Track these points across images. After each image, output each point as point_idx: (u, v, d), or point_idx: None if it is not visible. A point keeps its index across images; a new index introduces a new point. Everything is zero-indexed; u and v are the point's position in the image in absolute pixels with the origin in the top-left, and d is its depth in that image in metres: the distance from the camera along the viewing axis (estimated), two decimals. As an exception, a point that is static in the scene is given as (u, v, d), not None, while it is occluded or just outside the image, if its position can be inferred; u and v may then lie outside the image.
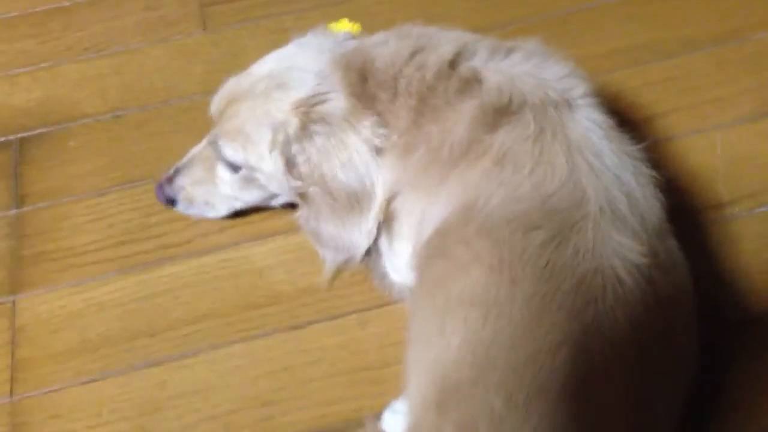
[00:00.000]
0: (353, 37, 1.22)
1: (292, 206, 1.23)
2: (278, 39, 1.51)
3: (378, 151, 1.06)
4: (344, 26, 1.33)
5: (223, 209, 1.25)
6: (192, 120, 1.43)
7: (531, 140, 0.94)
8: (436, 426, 0.80)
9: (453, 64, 1.03)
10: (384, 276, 1.20)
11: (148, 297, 1.22)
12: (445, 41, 1.07)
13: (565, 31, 1.49)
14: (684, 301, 0.92)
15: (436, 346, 0.87)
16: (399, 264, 1.15)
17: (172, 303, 1.21)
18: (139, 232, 1.30)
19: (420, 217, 1.03)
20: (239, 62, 1.50)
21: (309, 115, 1.06)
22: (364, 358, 1.14)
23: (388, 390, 1.10)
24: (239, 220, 1.29)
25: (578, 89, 1.02)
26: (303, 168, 1.08)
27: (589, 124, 0.98)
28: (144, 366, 1.15)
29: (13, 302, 1.22)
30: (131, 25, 1.59)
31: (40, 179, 1.37)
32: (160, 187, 1.24)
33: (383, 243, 1.15)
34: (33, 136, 1.43)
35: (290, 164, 1.08)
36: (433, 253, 0.97)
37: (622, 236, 0.88)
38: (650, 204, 0.96)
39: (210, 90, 1.45)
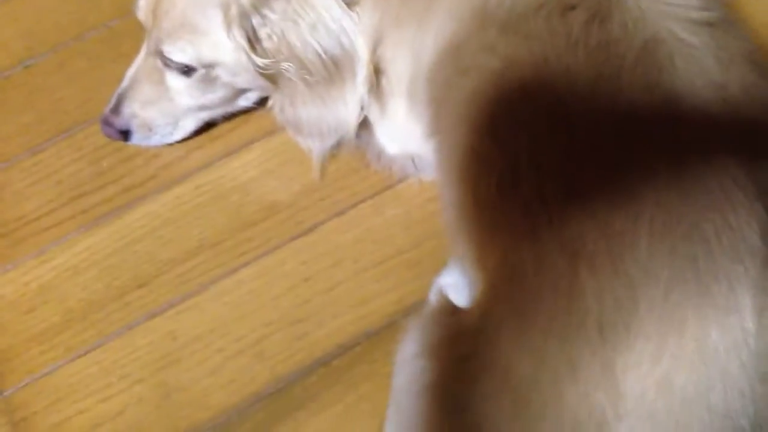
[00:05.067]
0: None
1: (263, 102, 1.07)
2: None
3: (350, 1, 0.91)
4: None
5: (189, 125, 1.08)
6: (115, 48, 1.24)
7: None
8: None
9: None
10: (381, 153, 1.05)
11: (126, 246, 1.06)
12: None
13: None
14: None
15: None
16: (396, 130, 1.01)
17: (156, 245, 1.05)
18: (93, 181, 1.12)
19: (412, 53, 0.89)
20: (151, -25, 1.33)
21: None
22: (390, 245, 1.01)
23: (426, 270, 0.98)
24: (203, 139, 1.13)
25: None
26: (268, 43, 0.92)
27: None
28: (144, 319, 1.00)
29: (-30, 290, 1.04)
30: (13, -35, 1.37)
31: (-42, 154, 1.17)
32: (106, 122, 1.05)
33: (372, 111, 1.01)
34: (-66, 110, 1.22)
35: (252, 42, 0.92)
36: (450, 74, 0.82)
37: None
38: None
39: (127, 12, 1.28)
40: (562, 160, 0.69)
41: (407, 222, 1.02)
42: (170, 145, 1.11)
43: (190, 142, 1.12)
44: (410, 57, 0.89)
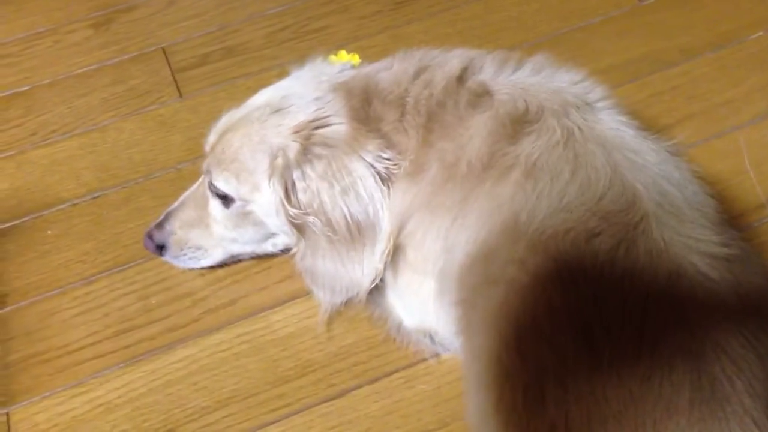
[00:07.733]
0: (353, 67, 1.14)
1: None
2: (262, 95, 1.44)
3: (384, 178, 0.97)
4: (343, 58, 1.25)
5: (217, 254, 1.13)
6: (180, 189, 1.30)
7: (561, 145, 0.87)
8: None
9: (461, 79, 0.98)
10: (400, 325, 1.08)
11: (161, 388, 1.08)
12: (450, 58, 1.01)
13: (559, 53, 1.43)
14: None
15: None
16: (410, 302, 1.05)
17: (190, 390, 1.08)
18: (140, 317, 1.16)
19: (444, 242, 0.93)
20: (222, 125, 1.43)
21: (310, 139, 0.98)
22: (418, 421, 1.01)
23: (451, 452, 0.98)
24: (250, 288, 1.17)
25: (596, 93, 0.97)
26: (302, 195, 0.98)
27: (616, 124, 0.92)
28: (168, 467, 1.01)
29: (7, 414, 1.06)
30: (99, 102, 1.49)
31: (20, 275, 1.23)
32: (149, 234, 1.13)
33: (393, 284, 1.05)
34: (5, 229, 1.29)
35: (289, 192, 0.99)
36: (480, 281, 0.86)
37: (690, 230, 0.80)
38: (702, 197, 0.89)
39: (195, 156, 1.38)
40: (587, 381, 0.71)
41: (437, 399, 1.03)
42: (218, 291, 1.16)
43: (238, 290, 1.17)
44: (441, 245, 0.93)
